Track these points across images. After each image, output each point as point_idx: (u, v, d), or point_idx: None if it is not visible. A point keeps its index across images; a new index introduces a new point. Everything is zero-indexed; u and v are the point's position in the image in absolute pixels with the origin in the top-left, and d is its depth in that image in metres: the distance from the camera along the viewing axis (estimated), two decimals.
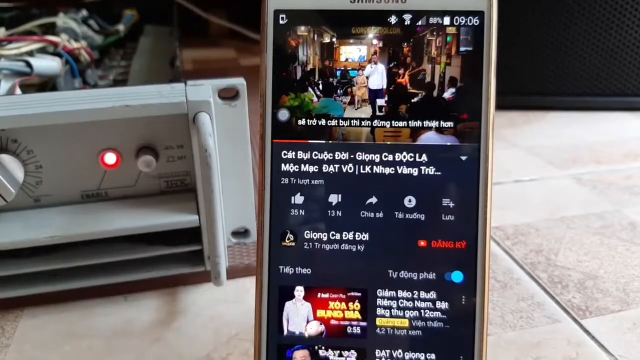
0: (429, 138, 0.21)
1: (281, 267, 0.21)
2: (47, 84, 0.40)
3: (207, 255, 0.29)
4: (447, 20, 0.21)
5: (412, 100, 0.21)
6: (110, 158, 0.27)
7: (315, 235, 0.21)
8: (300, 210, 0.21)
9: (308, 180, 0.21)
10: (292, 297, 0.21)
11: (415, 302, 0.21)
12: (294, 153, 0.21)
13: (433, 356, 0.21)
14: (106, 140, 0.27)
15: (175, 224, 0.27)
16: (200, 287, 0.30)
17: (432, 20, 0.21)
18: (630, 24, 0.55)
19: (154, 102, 0.25)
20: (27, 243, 0.26)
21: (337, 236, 0.21)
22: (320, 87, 0.21)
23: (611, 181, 0.43)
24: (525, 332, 0.27)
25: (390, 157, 0.21)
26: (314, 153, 0.21)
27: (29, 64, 0.36)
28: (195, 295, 0.30)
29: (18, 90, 0.33)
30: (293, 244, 0.21)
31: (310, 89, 0.21)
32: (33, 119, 0.24)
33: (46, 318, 0.28)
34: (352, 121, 0.21)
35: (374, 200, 0.21)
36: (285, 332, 0.21)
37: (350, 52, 0.21)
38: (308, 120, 0.21)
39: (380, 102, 0.21)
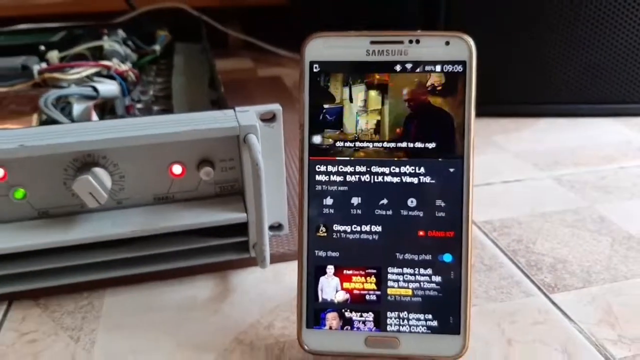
0: (425, 155, 0.28)
1: (316, 251, 0.29)
2: (106, 104, 0.47)
3: (252, 245, 0.36)
4: (438, 68, 0.28)
5: (413, 127, 0.28)
6: (177, 169, 0.34)
7: (341, 228, 0.29)
8: (330, 209, 0.29)
9: (336, 187, 0.29)
10: (324, 273, 0.29)
11: (416, 276, 0.28)
12: (325, 167, 0.28)
13: (430, 316, 0.28)
14: (174, 155, 0.34)
15: (228, 220, 0.35)
16: (245, 270, 0.38)
17: (427, 67, 0.28)
18: (609, 38, 0.61)
19: (215, 126, 0.32)
20: (113, 236, 0.34)
21: (358, 228, 0.28)
22: (344, 121, 0.28)
23: (587, 181, 0.51)
24: (505, 304, 0.35)
25: (397, 169, 0.28)
26: (339, 167, 0.28)
27: (95, 89, 0.44)
28: (242, 277, 0.37)
29: (94, 114, 0.40)
30: (325, 234, 0.29)
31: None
32: (122, 142, 0.32)
33: (125, 296, 0.36)
34: (368, 143, 0.28)
35: (385, 201, 0.28)
36: (320, 299, 0.29)
37: (366, 92, 0.28)
38: (335, 143, 0.28)
39: (389, 129, 0.28)
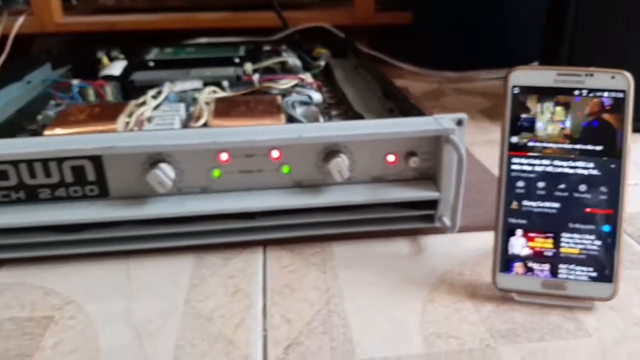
0: (594, 154, 0.39)
1: (509, 219, 0.41)
2: None
3: (438, 217, 0.49)
4: (606, 94, 0.39)
5: (587, 135, 0.40)
6: (391, 158, 0.48)
7: (529, 203, 0.41)
8: (521, 190, 0.41)
9: (526, 174, 0.41)
10: (514, 235, 0.41)
11: (583, 240, 0.40)
12: (519, 160, 0.41)
13: (591, 269, 0.40)
14: (391, 148, 0.47)
15: (426, 197, 0.48)
16: (429, 236, 0.50)
17: (599, 93, 0.39)
18: None
19: (429, 128, 0.45)
20: (347, 202, 0.47)
21: (541, 204, 0.40)
22: (536, 127, 0.40)
23: None
24: (637, 271, 0.45)
25: (572, 164, 0.40)
26: (530, 160, 0.41)
27: (310, 97, 0.58)
28: (429, 241, 0.50)
29: (320, 116, 0.54)
30: (517, 207, 0.41)
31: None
32: (363, 137, 0.45)
33: (347, 247, 0.49)
34: (552, 144, 0.40)
35: (562, 186, 0.40)
36: (510, 253, 0.41)
37: (552, 109, 0.40)
38: (528, 142, 0.40)
39: (569, 135, 0.40)
